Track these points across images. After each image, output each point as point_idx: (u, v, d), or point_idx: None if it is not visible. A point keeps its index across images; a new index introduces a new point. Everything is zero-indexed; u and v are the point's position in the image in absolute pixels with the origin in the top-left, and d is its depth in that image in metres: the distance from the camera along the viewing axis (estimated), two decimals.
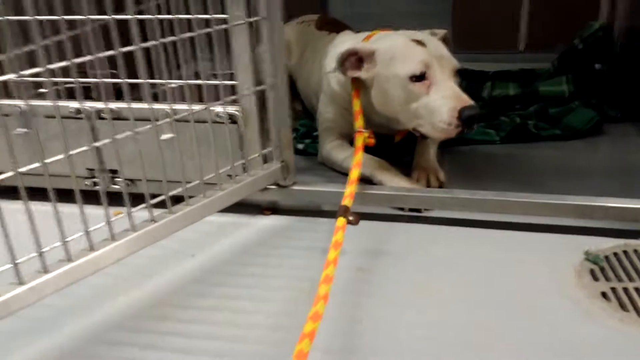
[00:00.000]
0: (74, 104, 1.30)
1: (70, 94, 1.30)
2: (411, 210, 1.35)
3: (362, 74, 1.39)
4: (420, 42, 1.33)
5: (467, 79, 2.08)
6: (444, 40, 1.41)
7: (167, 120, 1.09)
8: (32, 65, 0.91)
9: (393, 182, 1.37)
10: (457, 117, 1.23)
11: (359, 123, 1.38)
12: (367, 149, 1.34)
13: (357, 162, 1.25)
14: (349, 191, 1.18)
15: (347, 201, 1.15)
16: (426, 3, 2.55)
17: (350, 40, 1.58)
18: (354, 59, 1.38)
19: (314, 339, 0.80)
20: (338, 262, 0.96)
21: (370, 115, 1.42)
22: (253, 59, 1.23)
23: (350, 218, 1.10)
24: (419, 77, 1.29)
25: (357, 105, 1.43)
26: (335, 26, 1.89)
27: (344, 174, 1.50)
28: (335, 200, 1.34)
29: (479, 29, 2.47)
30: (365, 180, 1.39)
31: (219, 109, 1.25)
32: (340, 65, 1.39)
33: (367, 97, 1.41)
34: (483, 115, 1.24)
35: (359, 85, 1.43)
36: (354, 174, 1.23)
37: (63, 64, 0.91)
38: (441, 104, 1.26)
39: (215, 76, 1.26)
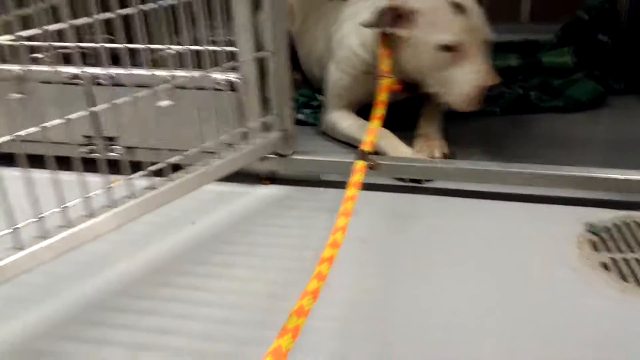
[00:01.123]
0: (71, 69, 1.28)
1: (66, 60, 1.28)
2: (412, 180, 1.34)
3: (404, 32, 1.35)
4: (460, 7, 1.30)
5: None
6: (481, 1, 1.39)
7: (166, 86, 1.07)
8: (27, 29, 0.89)
9: (396, 152, 1.35)
10: (482, 93, 1.25)
11: (385, 67, 1.37)
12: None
13: (378, 113, 1.26)
14: (369, 139, 1.19)
15: (366, 147, 1.17)
16: None
17: (364, 8, 1.50)
18: (391, 16, 1.35)
19: (317, 298, 0.79)
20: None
21: (397, 75, 1.40)
22: (254, 24, 1.20)
23: (370, 162, 1.14)
24: (451, 48, 1.28)
25: (386, 65, 1.39)
26: None
27: (346, 143, 1.49)
28: (335, 170, 1.35)
29: None
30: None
31: (218, 75, 1.23)
32: (379, 20, 1.35)
33: (397, 57, 1.39)
34: (503, 93, 1.24)
35: (389, 45, 1.40)
36: (375, 124, 1.24)
37: (59, 25, 0.89)
38: (469, 79, 1.28)
39: (215, 43, 1.24)
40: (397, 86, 1.38)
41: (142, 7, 0.97)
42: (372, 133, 1.21)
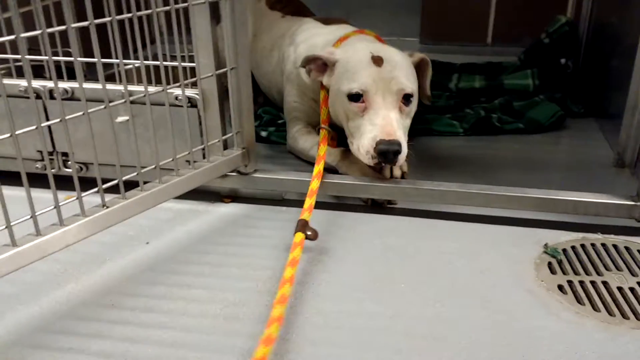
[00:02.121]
0: (22, 82, 1.24)
1: (22, 72, 1.24)
2: (373, 203, 1.34)
3: (324, 79, 1.39)
4: (379, 60, 1.29)
5: (434, 71, 2.07)
6: (420, 63, 1.38)
7: (121, 102, 1.04)
8: None
9: (357, 174, 1.34)
10: (376, 146, 1.21)
11: (323, 114, 1.39)
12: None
13: (317, 173, 1.24)
14: (309, 204, 1.16)
15: (305, 215, 1.13)
16: None
17: (319, 35, 1.54)
18: (320, 63, 1.38)
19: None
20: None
21: (333, 121, 1.42)
22: (214, 39, 1.19)
23: (309, 233, 1.09)
24: (356, 97, 1.27)
25: (322, 94, 1.42)
26: (287, 6, 1.81)
27: (311, 163, 1.47)
28: (297, 189, 1.33)
29: (448, 21, 2.46)
30: (329, 169, 1.36)
31: (177, 91, 1.20)
32: (303, 67, 1.39)
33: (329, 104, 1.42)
34: (399, 152, 1.20)
35: (324, 95, 1.43)
36: (314, 185, 1.21)
37: (8, 38, 0.86)
38: (367, 130, 1.25)
39: (174, 57, 1.22)
40: (333, 142, 1.41)
41: (97, 21, 0.94)
42: (312, 195, 1.18)
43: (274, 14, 1.79)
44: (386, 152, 1.20)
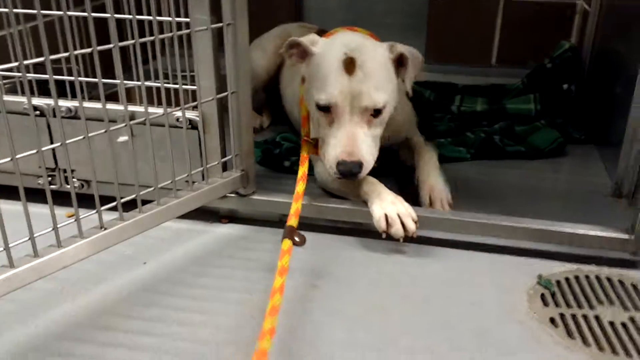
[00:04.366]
0: (25, 100, 1.26)
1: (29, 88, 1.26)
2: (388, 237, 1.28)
3: (303, 68, 1.35)
4: (352, 64, 1.24)
5: (437, 92, 2.09)
6: (400, 58, 1.29)
7: (122, 125, 1.06)
8: None
9: (379, 198, 1.28)
10: (338, 163, 1.22)
11: (304, 131, 1.36)
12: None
13: (302, 175, 1.24)
14: (295, 209, 1.16)
15: (292, 221, 1.12)
16: (402, 15, 2.54)
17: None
18: (301, 49, 1.33)
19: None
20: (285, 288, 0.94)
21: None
22: (216, 64, 1.20)
23: (297, 239, 1.08)
24: (324, 108, 1.26)
25: (303, 110, 1.40)
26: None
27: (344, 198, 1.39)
28: None
29: (453, 41, 2.47)
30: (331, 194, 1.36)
31: (178, 113, 1.22)
32: (286, 50, 1.33)
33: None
34: (358, 172, 1.21)
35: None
36: (300, 188, 1.21)
37: (10, 65, 0.88)
38: (331, 144, 1.25)
39: (175, 78, 1.24)
40: (317, 150, 1.36)
41: (100, 48, 0.96)
42: (298, 199, 1.18)
43: None
44: (345, 173, 1.22)
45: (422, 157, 1.46)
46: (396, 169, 1.57)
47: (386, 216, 1.23)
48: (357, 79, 1.23)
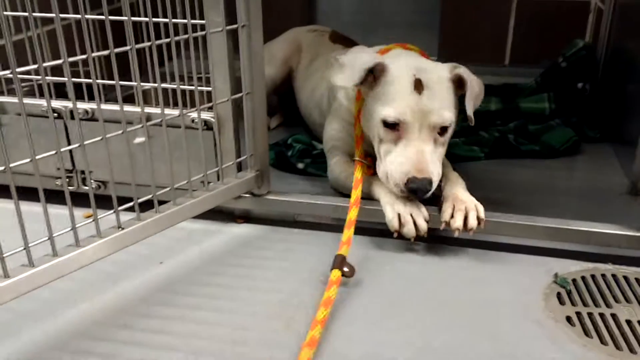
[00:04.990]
0: (44, 103, 1.28)
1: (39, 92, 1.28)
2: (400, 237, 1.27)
3: (363, 87, 1.31)
4: (420, 85, 1.23)
5: None
6: (457, 79, 1.27)
7: (139, 126, 1.07)
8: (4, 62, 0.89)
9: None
10: (405, 183, 1.20)
11: (358, 152, 1.35)
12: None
13: (355, 200, 1.22)
14: (347, 236, 1.13)
15: (343, 249, 1.10)
16: (415, 15, 2.55)
17: (364, 52, 1.42)
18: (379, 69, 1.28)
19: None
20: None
21: (365, 147, 1.38)
22: (231, 65, 1.22)
23: (346, 269, 1.07)
24: (392, 125, 1.24)
25: (358, 129, 1.38)
26: (349, 42, 1.86)
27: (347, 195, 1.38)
28: (309, 211, 1.35)
29: (466, 41, 2.47)
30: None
31: (193, 114, 1.23)
32: (365, 75, 1.26)
33: (361, 124, 1.37)
34: (429, 191, 1.19)
35: (361, 105, 1.37)
36: (352, 214, 1.19)
37: (29, 67, 0.89)
38: (398, 162, 1.22)
39: (191, 79, 1.25)
40: (370, 170, 1.36)
41: (117, 50, 0.97)
42: (350, 226, 1.16)
43: (335, 46, 1.81)
44: (416, 191, 1.19)
45: (449, 179, 1.36)
46: None
47: (399, 216, 1.23)
48: (425, 97, 1.22)
